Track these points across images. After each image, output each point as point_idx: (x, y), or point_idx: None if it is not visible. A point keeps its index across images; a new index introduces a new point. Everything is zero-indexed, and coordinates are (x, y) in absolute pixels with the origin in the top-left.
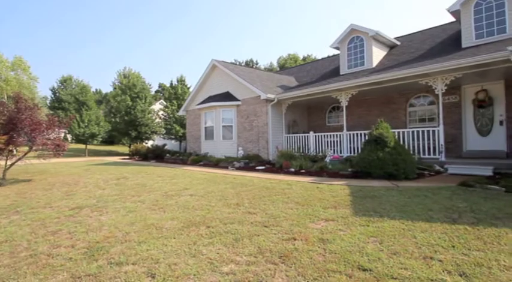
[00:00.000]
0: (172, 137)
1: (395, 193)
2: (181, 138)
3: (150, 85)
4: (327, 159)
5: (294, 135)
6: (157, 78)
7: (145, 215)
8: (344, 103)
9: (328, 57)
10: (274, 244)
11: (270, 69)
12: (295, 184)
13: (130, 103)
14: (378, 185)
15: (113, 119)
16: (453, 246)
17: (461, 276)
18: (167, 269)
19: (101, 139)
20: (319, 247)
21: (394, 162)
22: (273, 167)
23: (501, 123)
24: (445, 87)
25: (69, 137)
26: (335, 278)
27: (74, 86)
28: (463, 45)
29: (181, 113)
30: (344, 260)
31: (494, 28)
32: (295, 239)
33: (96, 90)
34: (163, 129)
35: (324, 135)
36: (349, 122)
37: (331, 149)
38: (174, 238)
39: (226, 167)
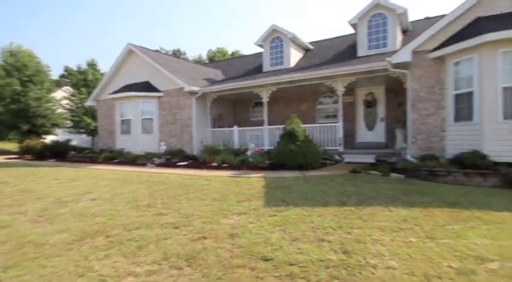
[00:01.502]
0: (82, 131)
1: (302, 182)
2: (94, 132)
3: (49, 67)
4: (249, 153)
5: (219, 129)
6: (62, 60)
7: (24, 230)
8: (265, 99)
9: (255, 54)
10: (182, 246)
11: (198, 61)
12: (215, 179)
13: (19, 88)
14: (290, 175)
15: None
16: (340, 227)
17: (344, 253)
18: None
19: None
20: (228, 243)
21: (304, 154)
22: (196, 162)
23: (382, 120)
24: (344, 89)
25: None
26: (238, 274)
27: None
28: (358, 54)
29: (90, 102)
30: (249, 253)
31: (380, 42)
32: (205, 238)
33: None
34: (68, 122)
35: (248, 129)
36: (270, 117)
37: (253, 143)
38: (60, 256)
39: (144, 164)
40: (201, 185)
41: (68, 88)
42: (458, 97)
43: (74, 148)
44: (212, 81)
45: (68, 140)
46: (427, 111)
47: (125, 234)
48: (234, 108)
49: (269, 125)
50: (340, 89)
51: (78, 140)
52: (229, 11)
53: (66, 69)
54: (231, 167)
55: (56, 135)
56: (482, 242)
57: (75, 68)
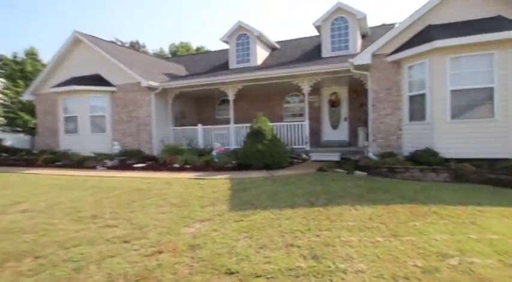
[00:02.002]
0: (19, 129)
1: (270, 182)
2: (34, 131)
3: None
4: (214, 152)
5: (182, 128)
6: None
7: None
8: (231, 97)
9: (221, 50)
10: (132, 265)
11: (159, 56)
12: (176, 182)
13: None
14: (257, 175)
15: None
16: (309, 230)
17: (313, 258)
18: None
19: None
20: (187, 256)
21: (271, 153)
22: (155, 164)
23: (345, 119)
24: (310, 89)
25: None
26: None
27: None
28: (323, 55)
29: (27, 97)
30: (212, 267)
31: (342, 45)
32: (160, 252)
33: None
34: (1, 119)
35: (213, 128)
36: (236, 116)
37: (219, 142)
38: None
39: (94, 167)
40: (159, 189)
41: (1, 80)
42: (412, 98)
43: (7, 149)
44: (174, 77)
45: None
46: (386, 111)
47: (61, 254)
48: (198, 105)
49: (236, 123)
50: (306, 88)
51: (14, 139)
52: (194, 3)
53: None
54: (194, 168)
55: None
56: (442, 237)
57: (9, 57)
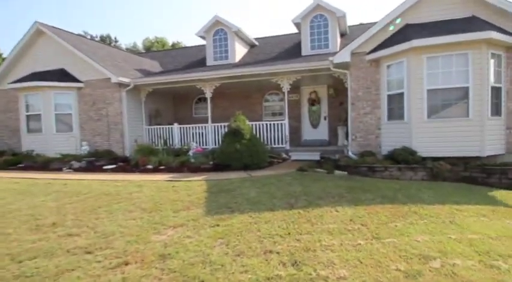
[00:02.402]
0: None
1: (248, 184)
2: None
3: None
4: (191, 153)
5: (156, 127)
6: None
7: None
8: (208, 94)
9: (198, 46)
10: (93, 279)
11: (132, 51)
12: (148, 185)
13: None
14: (235, 176)
15: None
16: (289, 234)
17: (293, 265)
18: None
19: None
20: (156, 268)
21: (250, 153)
22: (127, 165)
23: (325, 118)
24: (290, 87)
25: None
26: None
27: None
28: (302, 53)
29: None
30: (184, 279)
31: (322, 43)
32: (127, 264)
33: None
34: None
35: (190, 127)
36: (214, 114)
37: (196, 142)
38: None
39: (59, 169)
40: (129, 192)
41: None
42: (391, 97)
43: None
44: (147, 73)
45: None
46: (365, 110)
47: (12, 269)
48: (175, 103)
49: (214, 122)
50: (285, 86)
51: None
52: None
53: None
54: (169, 170)
55: None
56: (423, 238)
57: None
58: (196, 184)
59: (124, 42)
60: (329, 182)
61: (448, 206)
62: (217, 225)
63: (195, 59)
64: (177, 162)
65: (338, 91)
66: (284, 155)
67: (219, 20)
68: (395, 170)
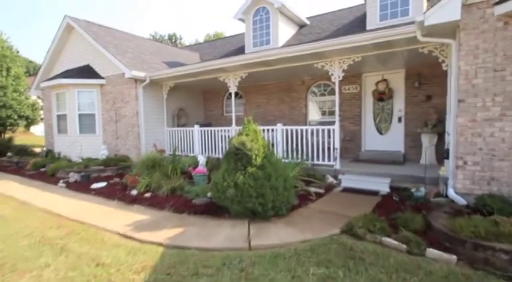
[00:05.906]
0: None
1: (232, 273)
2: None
3: (18, 52)
4: (193, 172)
5: (177, 129)
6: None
7: None
8: (233, 88)
9: (242, 34)
10: None
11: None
12: (79, 245)
13: None
14: (224, 238)
15: None
16: None
17: None
18: None
19: None
20: None
21: (260, 191)
22: (118, 184)
23: (400, 119)
24: (343, 74)
25: None
26: None
27: None
28: (368, 27)
29: (34, 92)
30: None
31: (398, 9)
32: None
33: None
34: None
35: (212, 131)
36: (246, 113)
37: (218, 149)
38: None
39: (57, 182)
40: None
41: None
42: None
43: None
44: (179, 66)
45: (10, 139)
46: (489, 113)
47: None
48: (204, 100)
49: (239, 125)
50: (336, 73)
51: None
52: None
53: None
54: (151, 201)
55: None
56: None
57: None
58: (149, 254)
59: (188, 40)
60: None
61: None
62: None
63: (235, 48)
64: (168, 188)
65: (423, 78)
66: (330, 179)
67: None
68: None
